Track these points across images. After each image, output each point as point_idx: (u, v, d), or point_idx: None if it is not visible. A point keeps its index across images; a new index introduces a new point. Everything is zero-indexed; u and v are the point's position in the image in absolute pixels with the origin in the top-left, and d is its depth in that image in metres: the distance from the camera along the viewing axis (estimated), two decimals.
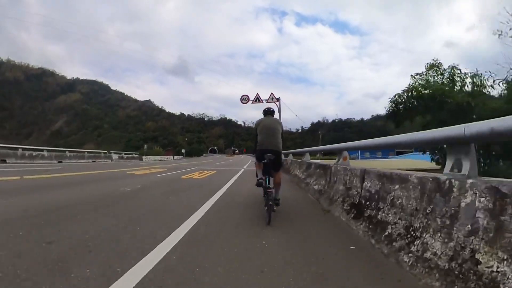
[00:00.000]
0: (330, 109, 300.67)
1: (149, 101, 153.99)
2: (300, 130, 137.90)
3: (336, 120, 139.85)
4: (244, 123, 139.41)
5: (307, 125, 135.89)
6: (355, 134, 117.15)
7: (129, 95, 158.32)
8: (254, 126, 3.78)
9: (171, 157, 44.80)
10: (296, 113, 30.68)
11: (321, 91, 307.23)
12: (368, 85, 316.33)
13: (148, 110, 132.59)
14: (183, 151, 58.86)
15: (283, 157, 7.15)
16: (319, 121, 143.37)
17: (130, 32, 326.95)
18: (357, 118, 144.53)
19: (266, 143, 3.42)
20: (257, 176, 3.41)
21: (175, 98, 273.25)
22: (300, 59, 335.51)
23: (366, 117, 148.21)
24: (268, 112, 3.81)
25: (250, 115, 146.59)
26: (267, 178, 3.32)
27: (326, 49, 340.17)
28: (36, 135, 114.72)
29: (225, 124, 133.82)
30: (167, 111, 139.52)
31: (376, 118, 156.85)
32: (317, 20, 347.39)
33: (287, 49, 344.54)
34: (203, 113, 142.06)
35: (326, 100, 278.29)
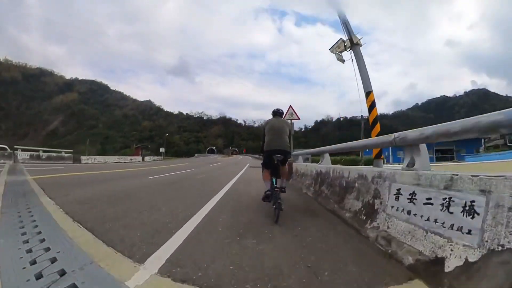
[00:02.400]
0: (331, 109, 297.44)
1: (149, 101, 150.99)
2: (303, 129, 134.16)
3: (341, 119, 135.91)
4: (244, 121, 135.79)
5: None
6: (364, 133, 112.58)
7: (128, 94, 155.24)
8: (262, 126, 3.89)
9: (139, 158, 34.02)
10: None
11: (322, 91, 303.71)
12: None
13: (146, 109, 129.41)
14: (161, 150, 47.40)
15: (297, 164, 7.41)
16: (323, 119, 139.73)
17: (131, 33, 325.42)
18: (358, 117, 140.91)
19: (274, 144, 3.50)
20: (264, 178, 3.56)
21: (176, 99, 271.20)
22: (300, 59, 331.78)
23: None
24: (277, 113, 3.89)
25: (251, 115, 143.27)
26: (274, 180, 3.51)
27: (327, 49, 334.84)
28: (32, 136, 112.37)
29: (225, 123, 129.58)
30: (165, 110, 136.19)
31: (380, 117, 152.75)
32: (317, 20, 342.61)
33: (287, 49, 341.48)
34: (202, 112, 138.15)
35: (327, 100, 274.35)
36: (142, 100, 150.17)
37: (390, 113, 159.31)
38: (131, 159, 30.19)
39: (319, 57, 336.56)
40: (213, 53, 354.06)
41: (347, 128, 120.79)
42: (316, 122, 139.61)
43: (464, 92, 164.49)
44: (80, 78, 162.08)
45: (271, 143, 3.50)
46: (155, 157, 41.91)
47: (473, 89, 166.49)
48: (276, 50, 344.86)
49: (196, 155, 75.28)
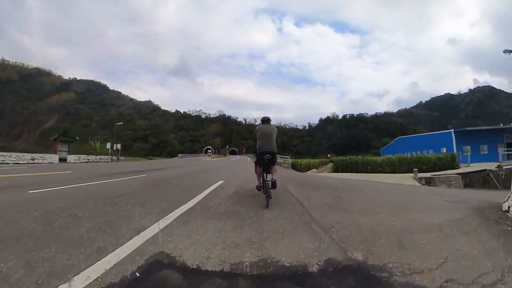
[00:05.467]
0: (332, 109, 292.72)
1: (149, 101, 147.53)
2: (307, 127, 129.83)
3: (347, 116, 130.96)
4: (245, 120, 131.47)
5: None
6: (371, 131, 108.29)
7: (126, 94, 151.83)
8: (254, 132, 4.74)
9: (55, 156, 23.42)
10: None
11: (323, 91, 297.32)
12: (370, 84, 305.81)
13: (142, 108, 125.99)
14: (108, 146, 32.60)
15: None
16: (328, 117, 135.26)
17: (132, 34, 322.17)
18: (365, 115, 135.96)
19: (264, 147, 4.38)
20: (257, 174, 4.53)
21: (177, 100, 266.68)
22: (300, 59, 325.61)
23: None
24: (266, 121, 4.74)
25: (253, 115, 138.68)
26: (265, 175, 4.45)
27: (327, 48, 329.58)
28: (26, 136, 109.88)
29: (224, 121, 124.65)
30: (162, 109, 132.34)
31: (385, 115, 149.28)
32: (317, 20, 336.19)
33: (287, 49, 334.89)
34: (200, 110, 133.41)
35: (328, 99, 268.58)
36: (142, 100, 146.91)
37: (395, 111, 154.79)
38: (32, 159, 19.89)
39: (319, 57, 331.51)
40: (214, 53, 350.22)
41: (353, 126, 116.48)
42: (321, 120, 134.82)
43: (469, 89, 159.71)
44: (78, 78, 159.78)
45: (261, 146, 4.39)
46: (93, 157, 28.70)
47: (478, 87, 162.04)
48: (276, 50, 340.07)
49: (179, 155, 66.23)
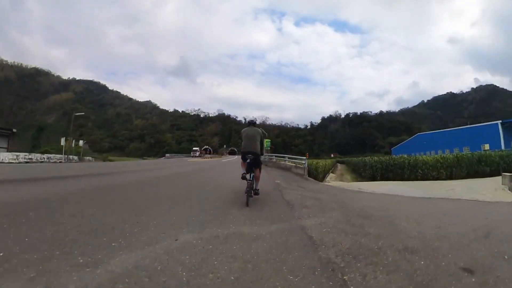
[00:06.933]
0: (333, 109, 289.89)
1: (149, 101, 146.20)
2: (308, 127, 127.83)
3: (350, 115, 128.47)
4: (245, 119, 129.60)
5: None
6: (376, 129, 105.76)
7: (125, 94, 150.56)
8: (241, 133, 5.06)
9: None
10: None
11: (323, 91, 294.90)
12: (370, 83, 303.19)
13: (141, 107, 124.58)
14: (63, 142, 26.42)
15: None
16: (330, 115, 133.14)
17: (132, 35, 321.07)
18: (369, 112, 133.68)
19: (247, 147, 4.74)
20: (242, 166, 4.83)
21: (177, 100, 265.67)
22: (300, 59, 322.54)
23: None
24: (251, 123, 5.14)
25: (253, 115, 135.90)
26: (250, 174, 4.53)
27: (327, 48, 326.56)
28: (22, 136, 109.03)
29: (223, 120, 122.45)
30: (160, 108, 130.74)
31: (387, 114, 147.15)
32: (317, 20, 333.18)
33: (287, 49, 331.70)
34: (199, 109, 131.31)
35: (328, 99, 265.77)
36: (142, 101, 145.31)
37: (397, 110, 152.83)
38: None
39: (319, 57, 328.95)
40: (214, 53, 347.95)
41: (357, 125, 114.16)
42: (323, 119, 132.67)
43: (472, 88, 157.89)
44: (78, 79, 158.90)
45: (245, 147, 4.76)
46: (40, 156, 23.20)
47: (481, 85, 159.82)
48: (276, 50, 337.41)
49: (167, 155, 62.15)
